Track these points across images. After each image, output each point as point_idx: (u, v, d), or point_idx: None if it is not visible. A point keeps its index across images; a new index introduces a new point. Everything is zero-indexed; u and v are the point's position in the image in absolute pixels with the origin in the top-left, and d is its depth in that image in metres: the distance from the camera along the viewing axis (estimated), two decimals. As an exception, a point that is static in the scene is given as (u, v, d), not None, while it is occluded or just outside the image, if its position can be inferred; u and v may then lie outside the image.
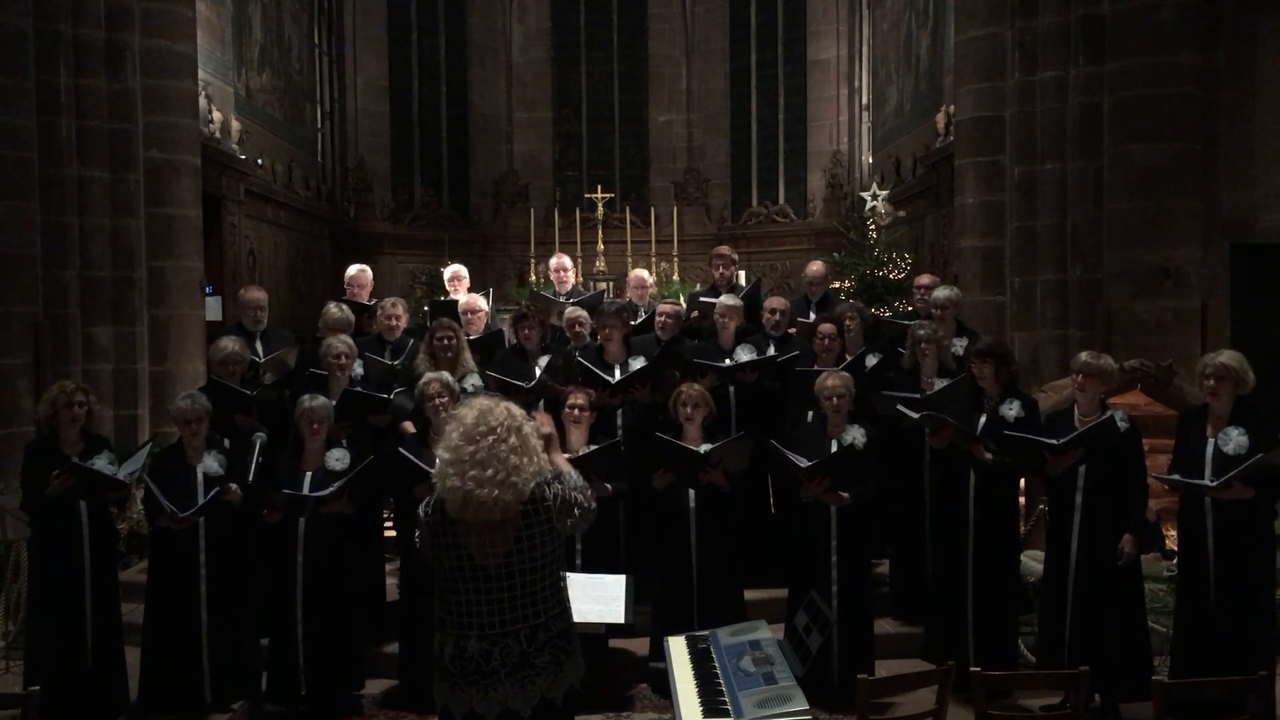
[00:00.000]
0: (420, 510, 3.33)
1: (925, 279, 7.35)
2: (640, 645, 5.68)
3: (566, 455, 5.18)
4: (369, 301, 7.45)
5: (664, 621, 5.28)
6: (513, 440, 3.16)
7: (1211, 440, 4.88)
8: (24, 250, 7.46)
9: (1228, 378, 4.84)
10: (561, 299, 7.82)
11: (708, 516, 5.42)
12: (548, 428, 3.43)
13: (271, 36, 13.48)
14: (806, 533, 5.42)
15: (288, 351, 6.75)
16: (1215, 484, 4.75)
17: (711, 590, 5.39)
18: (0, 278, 7.35)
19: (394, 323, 6.86)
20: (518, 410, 3.26)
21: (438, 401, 5.37)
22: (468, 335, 6.89)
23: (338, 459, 5.36)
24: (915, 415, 5.59)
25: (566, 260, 8.43)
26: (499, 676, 3.19)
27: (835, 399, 5.42)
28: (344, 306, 6.90)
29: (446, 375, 5.58)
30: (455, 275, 8.34)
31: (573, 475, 3.33)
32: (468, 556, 3.20)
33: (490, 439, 3.14)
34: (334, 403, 5.76)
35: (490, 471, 3.11)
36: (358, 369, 6.30)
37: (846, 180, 16.25)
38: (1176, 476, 4.95)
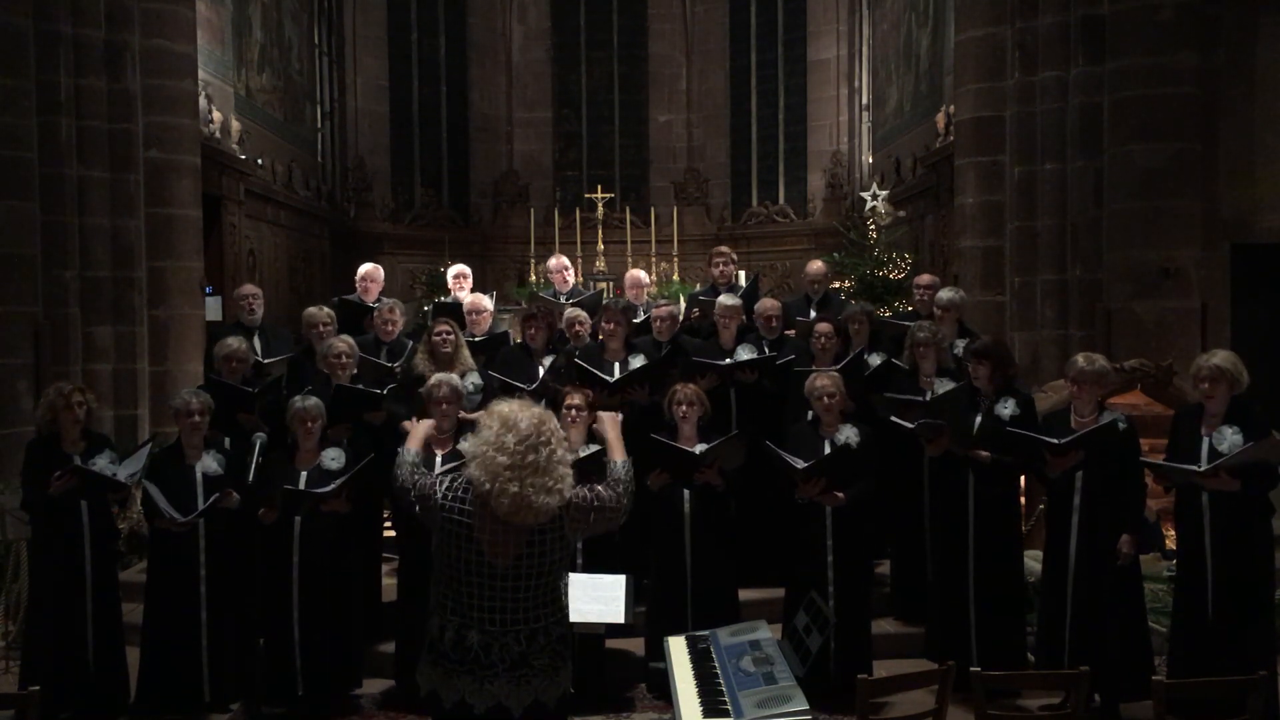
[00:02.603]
0: (438, 491, 3.28)
1: (925, 279, 7.35)
2: (640, 645, 5.67)
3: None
4: (375, 302, 7.47)
5: (659, 622, 5.27)
6: (560, 452, 3.24)
7: (1206, 439, 4.87)
8: (24, 250, 7.46)
9: (1222, 380, 4.84)
10: (561, 299, 7.83)
11: (702, 517, 5.41)
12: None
13: (271, 36, 13.48)
14: (803, 534, 5.41)
15: (286, 359, 6.80)
16: (1203, 469, 4.75)
17: (706, 591, 5.38)
18: (0, 278, 7.35)
19: (390, 327, 6.86)
20: (555, 421, 3.32)
21: (445, 407, 5.37)
22: (472, 335, 6.90)
23: (333, 458, 5.35)
24: (910, 426, 5.59)
25: (566, 260, 8.46)
26: (496, 671, 3.21)
27: (826, 398, 5.41)
28: (324, 308, 6.95)
29: (455, 378, 5.56)
30: (459, 275, 8.35)
31: (617, 464, 3.43)
32: (477, 553, 3.22)
33: (547, 449, 3.20)
34: (330, 399, 5.76)
35: (549, 480, 3.17)
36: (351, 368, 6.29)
37: (846, 180, 16.25)
38: (1163, 462, 4.94)
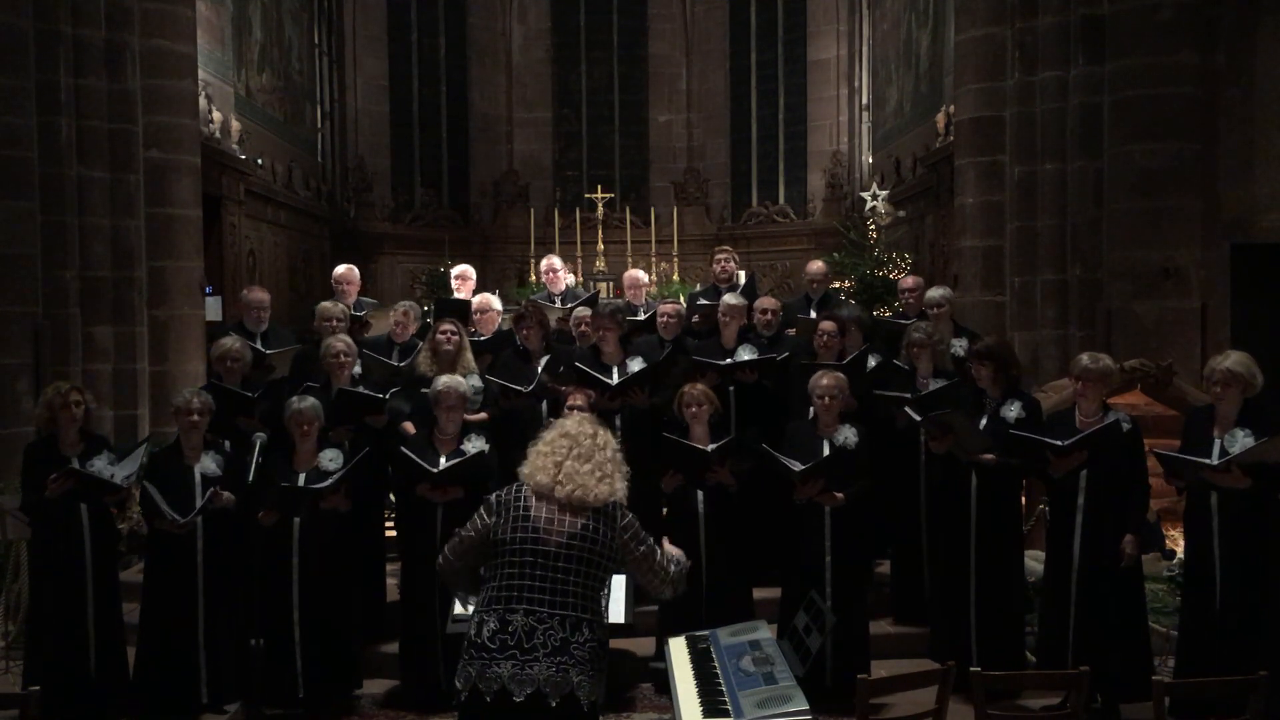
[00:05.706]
0: (492, 497, 3.44)
1: (909, 281, 7.37)
2: (640, 645, 5.67)
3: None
4: (355, 300, 7.44)
5: (671, 622, 5.23)
6: (609, 453, 3.41)
7: (1218, 441, 4.86)
8: (24, 250, 7.45)
9: (1234, 384, 4.83)
10: (555, 300, 7.83)
11: (716, 517, 5.42)
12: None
13: (271, 36, 13.48)
14: (800, 534, 5.40)
15: (290, 350, 6.76)
16: (1215, 464, 4.74)
17: (720, 591, 5.38)
18: (0, 278, 7.34)
19: (404, 326, 6.83)
20: (609, 435, 3.52)
21: (451, 413, 5.36)
22: (480, 335, 6.88)
23: (331, 459, 5.34)
24: (918, 418, 5.57)
25: (556, 261, 8.44)
26: (538, 655, 3.22)
27: (828, 399, 5.40)
28: (338, 303, 6.90)
29: (463, 383, 5.56)
30: (461, 275, 8.33)
31: (676, 553, 3.57)
32: (533, 530, 3.29)
33: (589, 441, 3.40)
34: (332, 402, 5.75)
35: (589, 466, 3.34)
36: (355, 369, 6.27)
37: (846, 180, 16.24)
38: (1175, 454, 4.92)
